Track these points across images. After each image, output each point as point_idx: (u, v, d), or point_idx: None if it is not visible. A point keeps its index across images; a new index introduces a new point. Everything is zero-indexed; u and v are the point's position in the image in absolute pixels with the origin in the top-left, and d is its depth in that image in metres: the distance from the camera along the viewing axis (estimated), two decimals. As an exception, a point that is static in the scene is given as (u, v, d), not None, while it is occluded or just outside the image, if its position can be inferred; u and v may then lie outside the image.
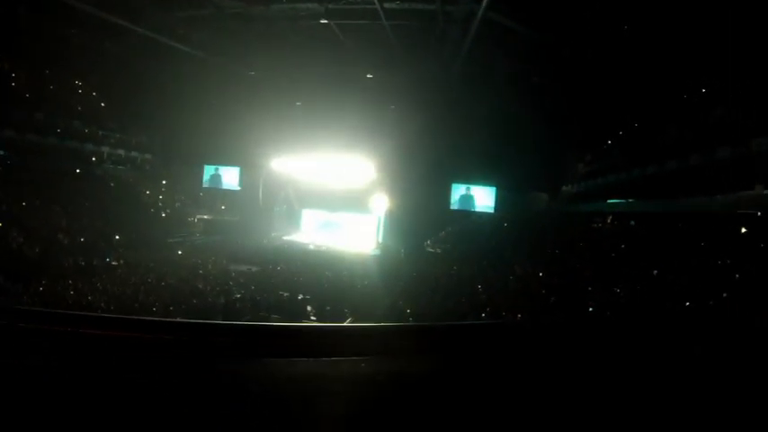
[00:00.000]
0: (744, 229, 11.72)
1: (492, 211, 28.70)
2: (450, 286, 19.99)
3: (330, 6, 20.58)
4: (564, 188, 26.74)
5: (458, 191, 29.33)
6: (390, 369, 3.39)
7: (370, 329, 4.49)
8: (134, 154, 29.61)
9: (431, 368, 3.41)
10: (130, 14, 20.94)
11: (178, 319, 11.61)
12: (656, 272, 13.33)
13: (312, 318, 17.42)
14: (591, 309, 13.69)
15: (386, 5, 20.07)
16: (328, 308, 18.15)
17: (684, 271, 12.15)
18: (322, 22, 21.82)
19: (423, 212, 28.05)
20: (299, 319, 16.91)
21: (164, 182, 30.54)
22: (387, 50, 24.20)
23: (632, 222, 18.63)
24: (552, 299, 15.52)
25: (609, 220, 20.70)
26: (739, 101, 12.68)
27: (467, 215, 28.88)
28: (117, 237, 23.52)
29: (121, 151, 28.59)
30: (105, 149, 27.11)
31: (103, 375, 2.97)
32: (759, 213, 10.96)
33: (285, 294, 19.74)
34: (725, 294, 10.07)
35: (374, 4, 19.82)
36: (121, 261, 21.99)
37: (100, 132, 26.41)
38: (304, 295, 19.65)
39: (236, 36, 23.39)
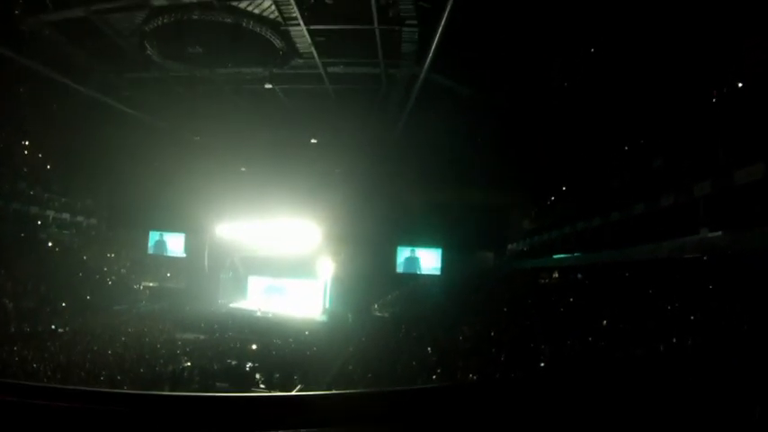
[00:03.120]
0: (690, 274, 11.81)
1: (438, 272, 28.67)
2: (399, 350, 19.89)
3: (275, 71, 20.77)
4: (510, 246, 26.93)
5: (403, 253, 29.32)
6: None
7: (321, 398, 4.36)
8: (79, 218, 29.26)
9: None
10: (78, 74, 20.85)
11: (125, 390, 11.36)
12: (604, 322, 13.39)
13: (261, 386, 17.22)
14: (542, 364, 13.66)
15: (330, 69, 20.44)
16: (277, 375, 18.01)
17: (633, 319, 12.23)
18: (267, 86, 21.95)
19: (369, 276, 28.07)
20: (249, 387, 16.73)
21: (109, 247, 30.14)
22: (331, 114, 24.44)
23: (579, 275, 18.73)
24: (502, 356, 15.46)
25: (555, 275, 20.84)
26: (679, 148, 12.92)
27: (413, 278, 28.83)
28: (62, 303, 23.08)
29: (66, 215, 28.24)
30: (50, 213, 26.69)
31: None
32: (704, 257, 11.05)
33: (233, 362, 19.56)
34: (674, 340, 10.13)
35: (318, 68, 20.15)
36: (67, 328, 21.55)
37: (45, 195, 25.95)
38: (252, 363, 19.47)
39: (181, 99, 23.46)
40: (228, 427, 3.21)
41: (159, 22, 18.04)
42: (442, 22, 15.32)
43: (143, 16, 18.16)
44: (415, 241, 29.28)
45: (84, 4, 17.64)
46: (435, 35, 16.20)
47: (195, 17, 17.80)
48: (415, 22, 16.58)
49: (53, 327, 21.40)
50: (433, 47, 16.91)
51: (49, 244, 26.39)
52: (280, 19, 17.54)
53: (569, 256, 19.74)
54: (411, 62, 19.19)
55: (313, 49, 18.77)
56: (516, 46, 16.59)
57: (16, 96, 21.80)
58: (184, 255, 33.23)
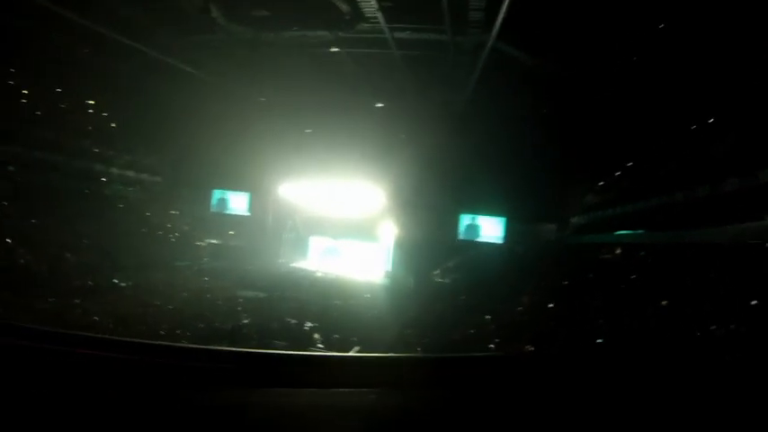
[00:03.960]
0: (752, 260, 11.60)
1: (500, 241, 28.53)
2: (458, 316, 19.91)
3: (341, 35, 20.61)
4: (572, 219, 26.62)
5: (466, 221, 29.21)
6: (397, 401, 3.34)
7: (378, 360, 4.43)
8: (143, 176, 29.39)
9: (439, 401, 3.37)
10: (143, 37, 21.09)
11: (183, 344, 11.53)
12: (663, 302, 13.23)
13: (319, 346, 17.34)
14: (599, 340, 13.58)
15: (396, 35, 20.17)
16: (336, 336, 18.09)
17: (692, 302, 12.07)
18: (332, 50, 21.96)
19: (431, 242, 27.93)
20: (306, 346, 16.85)
21: (172, 205, 30.36)
22: (397, 80, 24.33)
23: (640, 253, 18.51)
24: (561, 330, 15.40)
25: (617, 251, 20.56)
26: (747, 132, 12.63)
27: (475, 245, 28.67)
28: (125, 258, 23.44)
29: (131, 173, 28.38)
30: (114, 170, 26.91)
31: (106, 399, 2.93)
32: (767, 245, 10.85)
33: (292, 321, 19.65)
34: (732, 326, 9.98)
35: (385, 33, 19.95)
36: (129, 282, 21.87)
37: (109, 153, 26.21)
38: (312, 323, 19.58)
39: (246, 62, 23.43)
40: (285, 384, 3.28)
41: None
42: None
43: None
44: (477, 209, 29.04)
45: None
46: (504, 3, 15.95)
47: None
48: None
49: (115, 281, 21.72)
50: (501, 15, 16.54)
51: (113, 200, 26.69)
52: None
53: (631, 233, 19.48)
54: (478, 30, 18.87)
55: (379, 14, 18.44)
56: (586, 16, 16.34)
57: (79, 58, 22.10)
58: (248, 214, 33.54)
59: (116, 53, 22.01)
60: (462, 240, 29.13)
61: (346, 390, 3.25)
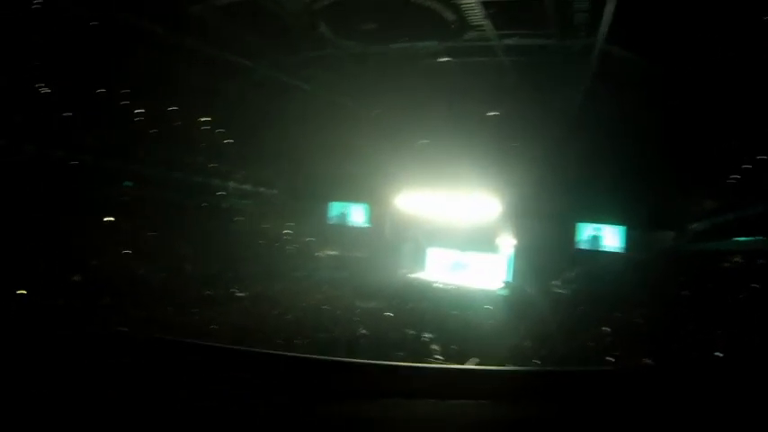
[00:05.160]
0: None
1: (618, 250, 27.95)
2: (576, 328, 19.66)
3: (449, 44, 20.62)
4: (690, 226, 25.90)
5: (584, 230, 28.75)
6: (513, 414, 3.35)
7: (495, 372, 4.43)
8: (260, 189, 30.20)
9: (554, 415, 3.36)
10: (254, 55, 21.71)
11: (300, 354, 11.67)
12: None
13: (437, 357, 17.28)
14: (718, 353, 13.21)
15: (505, 42, 20.06)
16: (454, 347, 18.01)
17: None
18: (441, 60, 21.98)
19: (548, 251, 27.60)
20: (424, 357, 16.82)
21: (290, 217, 30.95)
22: (508, 87, 24.07)
23: (761, 261, 17.88)
24: (679, 342, 15.05)
25: (739, 259, 19.91)
26: None
27: (593, 255, 28.17)
28: (243, 269, 24.00)
29: (247, 186, 29.21)
30: (231, 184, 27.74)
31: (224, 408, 3.04)
32: None
33: (411, 332, 19.67)
34: None
35: (493, 40, 19.89)
36: (247, 293, 22.39)
37: (226, 168, 27.04)
38: (430, 334, 19.54)
39: (357, 75, 23.69)
40: (402, 394, 3.34)
41: (328, 1, 18.51)
42: None
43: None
44: (595, 217, 28.60)
45: None
46: (608, 4, 15.74)
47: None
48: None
49: (233, 291, 22.23)
50: (607, 17, 16.41)
51: (231, 213, 27.43)
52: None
53: (752, 240, 18.91)
54: (585, 33, 18.57)
55: (487, 22, 18.41)
56: (696, 12, 15.89)
57: (193, 78, 22.89)
58: (366, 225, 33.83)
59: (229, 72, 22.72)
60: (581, 249, 28.68)
61: (463, 401, 3.27)
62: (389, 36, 20.30)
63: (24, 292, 15.01)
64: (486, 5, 17.55)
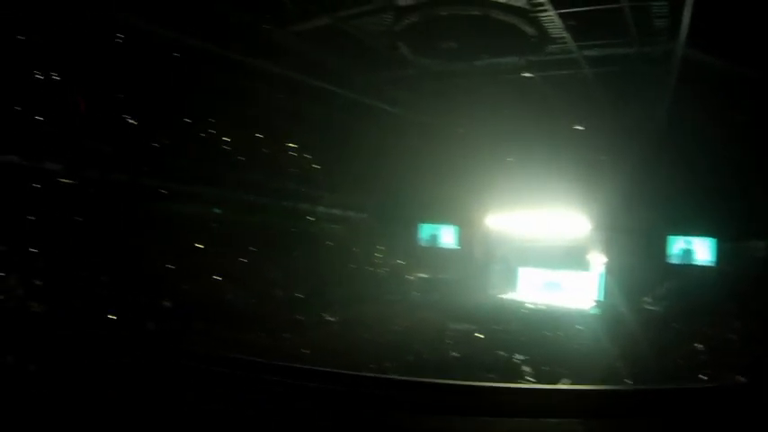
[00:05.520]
0: None
1: (711, 263, 27.17)
2: (668, 345, 19.26)
3: (531, 59, 20.51)
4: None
5: (675, 243, 27.99)
6: None
7: (586, 392, 4.36)
8: (349, 213, 30.34)
9: None
10: (333, 78, 21.96)
11: (392, 376, 11.61)
12: None
13: (528, 378, 17.11)
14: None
15: (586, 53, 19.90)
16: (545, 368, 17.82)
17: None
18: (525, 75, 21.82)
19: (640, 267, 27.02)
20: (515, 378, 16.68)
21: (380, 240, 31.05)
22: (592, 99, 23.82)
23: None
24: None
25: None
26: None
27: (685, 269, 27.41)
28: (333, 293, 24.15)
29: (336, 210, 29.37)
30: (321, 209, 27.96)
31: (314, 427, 3.05)
32: None
33: (501, 354, 19.53)
34: None
35: (574, 52, 19.75)
36: (337, 317, 22.58)
37: (314, 192, 27.29)
38: (521, 355, 19.38)
39: (439, 94, 23.74)
40: (494, 414, 3.32)
41: (407, 22, 18.62)
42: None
43: (390, 17, 18.83)
44: (686, 230, 27.99)
45: (328, 12, 18.59)
46: (686, 6, 15.27)
47: (443, 13, 18.23)
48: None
49: (323, 316, 22.37)
50: (685, 20, 15.94)
51: (320, 237, 27.64)
52: (528, 6, 17.50)
53: None
54: (665, 38, 18.29)
55: (566, 34, 18.31)
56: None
57: (278, 103, 23.30)
58: (456, 246, 33.66)
59: (313, 96, 23.01)
60: (672, 264, 27.99)
61: (555, 420, 3.23)
62: (470, 53, 20.31)
63: (114, 317, 15.40)
64: (564, 17, 17.47)
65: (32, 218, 18.94)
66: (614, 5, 16.39)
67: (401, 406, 3.27)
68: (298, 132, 25.13)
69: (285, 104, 23.34)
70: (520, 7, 17.34)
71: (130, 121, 21.88)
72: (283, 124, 24.26)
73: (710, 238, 27.36)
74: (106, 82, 20.54)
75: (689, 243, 27.83)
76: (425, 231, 34.12)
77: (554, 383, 15.13)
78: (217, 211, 23.62)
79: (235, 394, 3.50)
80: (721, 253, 26.98)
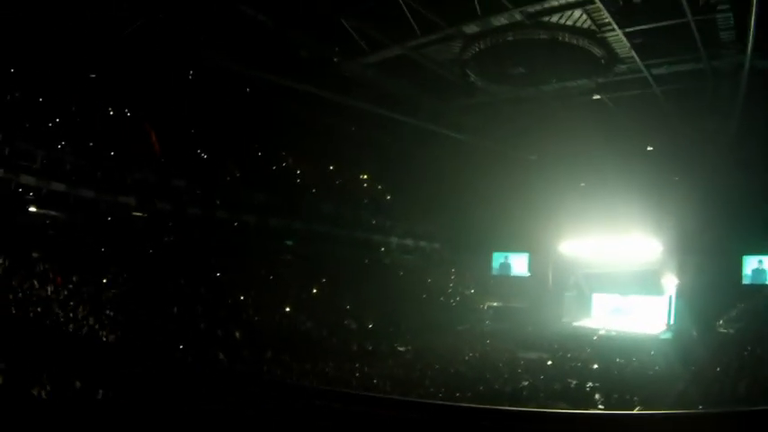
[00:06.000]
0: None
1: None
2: (742, 369, 18.73)
3: (600, 80, 20.38)
4: None
5: (749, 263, 27.22)
6: None
7: (656, 417, 4.27)
8: (422, 243, 30.67)
9: None
10: (405, 107, 22.18)
11: (459, 404, 11.48)
12: None
13: (600, 406, 16.86)
14: None
15: (654, 71, 19.69)
16: (616, 396, 17.54)
17: None
18: (595, 97, 21.60)
19: (713, 289, 26.34)
20: (587, 406, 16.46)
21: (452, 269, 31.11)
22: (662, 117, 23.54)
23: None
24: None
25: None
26: None
27: (761, 289, 26.64)
28: (406, 323, 24.20)
29: (409, 241, 29.64)
30: (393, 239, 28.22)
31: None
32: None
33: (573, 382, 19.27)
34: None
35: (642, 72, 19.54)
36: (409, 347, 22.66)
37: (387, 223, 27.62)
38: (593, 382, 19.11)
39: (510, 120, 23.81)
40: None
41: (476, 49, 18.91)
42: (755, 2, 14.43)
43: (459, 45, 19.00)
44: (761, 249, 27.27)
45: (399, 43, 19.12)
46: (751, 17, 15.03)
47: (510, 38, 18.21)
48: (727, 6, 15.52)
49: (395, 346, 22.37)
50: (752, 30, 15.68)
51: (393, 268, 27.81)
52: (594, 27, 17.49)
53: None
54: (733, 50, 18.02)
55: (633, 53, 18.26)
56: None
57: (349, 134, 23.61)
58: (528, 274, 33.37)
59: (383, 126, 23.25)
60: (746, 285, 27.20)
61: None
62: (539, 78, 20.36)
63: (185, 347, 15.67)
64: (630, 36, 17.40)
65: (106, 249, 19.38)
66: (679, 21, 16.21)
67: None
68: (369, 163, 25.52)
69: (356, 135, 23.78)
70: (586, 29, 17.33)
71: (203, 155, 22.33)
72: (355, 155, 24.77)
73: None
74: (180, 116, 21.02)
75: (763, 263, 27.07)
76: (497, 259, 33.91)
77: (626, 410, 14.87)
78: (289, 242, 23.94)
79: (314, 424, 3.48)
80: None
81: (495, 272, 33.93)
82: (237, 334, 18.95)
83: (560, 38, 17.59)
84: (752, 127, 22.50)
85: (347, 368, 19.13)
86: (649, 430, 3.41)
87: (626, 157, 27.03)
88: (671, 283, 29.24)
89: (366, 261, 26.40)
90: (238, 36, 18.89)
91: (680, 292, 28.88)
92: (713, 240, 26.00)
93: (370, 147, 24.50)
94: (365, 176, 26.00)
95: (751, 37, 16.16)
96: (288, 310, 21.72)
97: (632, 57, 18.53)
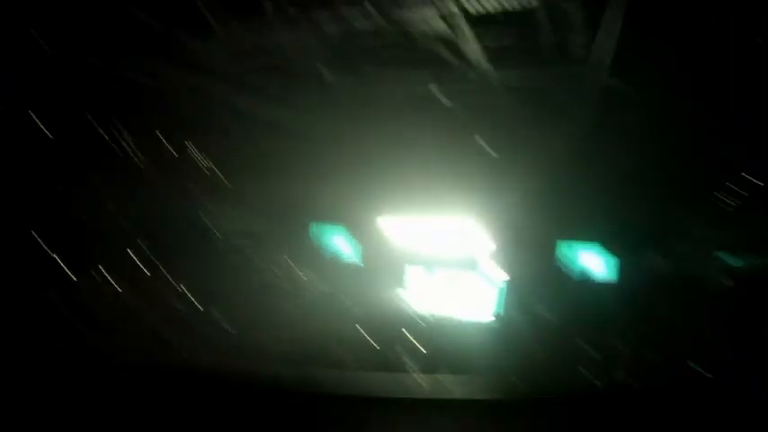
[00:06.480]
0: None
1: (606, 275, 28.04)
2: (563, 354, 19.90)
3: (449, 86, 21.20)
4: (684, 247, 26.01)
5: (572, 254, 28.75)
6: None
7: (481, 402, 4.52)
8: (244, 214, 30.25)
9: None
10: (246, 91, 21.80)
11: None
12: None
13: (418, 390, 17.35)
14: (709, 375, 13.30)
15: (504, 82, 20.92)
16: (437, 380, 18.09)
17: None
18: (440, 100, 21.99)
19: (535, 277, 27.70)
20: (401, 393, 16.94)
21: (272, 240, 31.17)
22: (509, 127, 24.78)
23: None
24: (670, 367, 15.20)
25: (730, 283, 20.01)
26: None
27: (581, 280, 28.24)
28: (225, 294, 23.97)
29: (232, 210, 29.25)
30: (215, 207, 27.81)
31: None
32: None
33: (390, 360, 19.74)
34: None
35: (492, 81, 20.61)
36: (227, 314, 22.06)
37: (213, 194, 27.14)
38: (411, 364, 19.64)
39: (352, 112, 23.83)
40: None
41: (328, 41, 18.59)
42: (619, 26, 15.20)
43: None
44: (584, 240, 28.66)
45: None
46: (611, 39, 16.10)
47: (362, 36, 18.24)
48: (584, 26, 16.41)
49: (215, 317, 22.13)
50: (608, 50, 16.86)
51: (208, 234, 27.47)
52: (449, 32, 17.76)
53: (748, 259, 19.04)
54: (586, 68, 18.92)
55: (484, 61, 18.78)
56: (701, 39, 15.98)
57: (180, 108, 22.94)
58: (346, 248, 33.81)
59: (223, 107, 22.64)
60: (568, 275, 28.74)
61: None
62: (389, 76, 20.60)
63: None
64: (485, 47, 17.91)
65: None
66: (536, 36, 17.20)
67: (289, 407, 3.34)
68: (201, 132, 24.78)
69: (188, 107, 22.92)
70: (441, 33, 17.55)
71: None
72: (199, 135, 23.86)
73: (608, 250, 28.19)
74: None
75: (586, 253, 28.56)
76: (317, 231, 34.09)
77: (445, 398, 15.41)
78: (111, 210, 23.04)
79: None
80: (618, 265, 27.83)
81: (313, 243, 33.39)
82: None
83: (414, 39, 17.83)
84: (597, 142, 23.63)
85: (168, 345, 18.86)
86: (471, 415, 3.66)
87: (469, 163, 27.74)
88: (490, 266, 30.35)
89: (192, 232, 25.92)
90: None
91: (499, 277, 30.10)
92: (537, 229, 27.17)
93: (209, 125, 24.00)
94: (196, 148, 25.47)
95: (607, 58, 17.29)
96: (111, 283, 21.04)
97: (483, 64, 19.03)
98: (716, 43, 15.46)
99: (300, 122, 25.51)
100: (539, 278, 27.97)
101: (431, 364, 19.14)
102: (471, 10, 16.13)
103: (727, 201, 22.18)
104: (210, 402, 3.51)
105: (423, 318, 28.55)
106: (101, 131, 22.44)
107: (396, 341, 22.38)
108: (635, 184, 24.53)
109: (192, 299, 22.81)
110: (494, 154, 27.32)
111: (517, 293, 27.70)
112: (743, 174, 20.82)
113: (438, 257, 33.05)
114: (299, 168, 28.35)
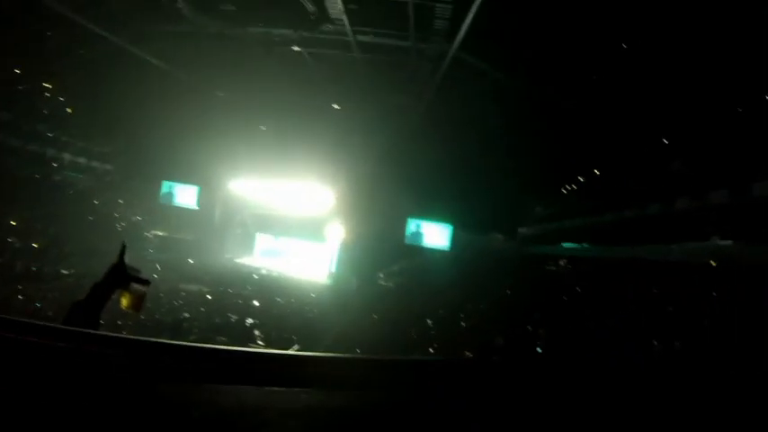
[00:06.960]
0: (697, 279, 11.82)
1: (446, 248, 28.70)
2: (400, 320, 20.10)
3: (305, 34, 20.68)
4: (520, 230, 26.94)
5: (413, 225, 29.30)
6: (333, 402, 3.41)
7: (315, 359, 4.46)
8: (95, 163, 29.02)
9: (378, 403, 3.44)
10: (107, 23, 20.85)
11: (123, 335, 11.41)
12: (607, 319, 13.47)
13: (259, 342, 17.32)
14: (539, 350, 13.78)
15: (359, 38, 20.34)
16: (275, 333, 18.11)
17: (634, 317, 12.35)
18: (294, 49, 21.91)
19: (377, 245, 28.03)
20: (246, 342, 16.82)
21: (122, 194, 30.06)
22: (356, 83, 24.48)
23: (586, 267, 18.70)
24: (502, 338, 15.59)
25: (563, 264, 20.76)
26: (698, 154, 12.96)
27: (421, 251, 28.81)
28: (71, 245, 23.19)
29: (82, 159, 27.97)
30: (66, 156, 26.54)
31: (38, 386, 2.93)
32: (713, 264, 11.09)
33: (233, 317, 19.61)
34: (675, 344, 10.20)
35: (348, 36, 20.11)
36: (73, 270, 21.58)
37: (64, 138, 25.87)
38: (253, 319, 19.54)
39: (209, 56, 23.28)
40: (222, 378, 3.31)
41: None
42: (477, 3, 15.41)
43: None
44: (426, 215, 29.27)
45: None
46: (468, 14, 16.24)
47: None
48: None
49: (59, 269, 21.46)
50: (465, 26, 16.99)
51: (63, 187, 26.36)
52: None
53: (579, 247, 19.77)
54: (442, 39, 19.24)
55: (344, 16, 18.62)
56: (550, 32, 16.45)
57: (42, 39, 21.78)
58: (196, 207, 33.28)
59: (79, 38, 21.71)
60: (409, 245, 29.17)
61: (280, 389, 3.29)
62: (247, 19, 20.13)
63: None
64: (344, 1, 17.78)
65: None
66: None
67: (131, 367, 3.27)
68: (56, 73, 23.69)
69: (48, 41, 21.86)
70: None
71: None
72: (42, 62, 22.68)
73: (447, 225, 28.84)
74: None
75: (425, 227, 29.17)
76: (166, 189, 33.39)
77: (284, 349, 15.39)
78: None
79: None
80: (457, 240, 28.54)
81: (162, 201, 33.38)
82: None
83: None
84: (440, 110, 24.18)
85: (8, 289, 18.10)
86: (309, 371, 3.67)
87: (313, 110, 27.63)
88: (336, 233, 30.50)
89: (37, 177, 24.79)
90: None
91: (344, 244, 30.26)
92: (382, 200, 27.46)
93: (61, 57, 22.90)
94: (49, 86, 24.26)
95: (462, 33, 17.55)
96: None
97: (342, 19, 18.91)
98: (564, 27, 16.08)
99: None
100: (383, 248, 28.36)
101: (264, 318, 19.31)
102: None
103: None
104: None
105: (263, 276, 28.52)
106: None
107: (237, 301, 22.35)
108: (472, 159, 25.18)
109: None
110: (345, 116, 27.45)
111: (362, 261, 28.06)
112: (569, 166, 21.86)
113: (286, 223, 33.15)
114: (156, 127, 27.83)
